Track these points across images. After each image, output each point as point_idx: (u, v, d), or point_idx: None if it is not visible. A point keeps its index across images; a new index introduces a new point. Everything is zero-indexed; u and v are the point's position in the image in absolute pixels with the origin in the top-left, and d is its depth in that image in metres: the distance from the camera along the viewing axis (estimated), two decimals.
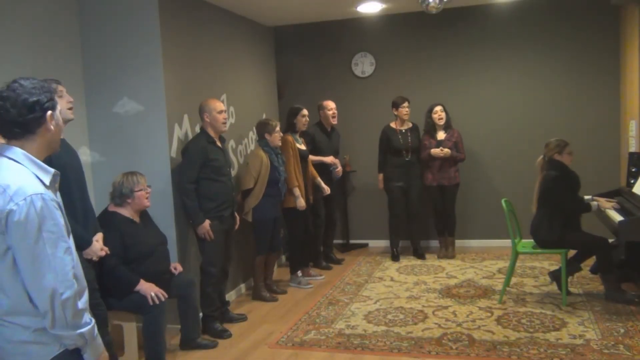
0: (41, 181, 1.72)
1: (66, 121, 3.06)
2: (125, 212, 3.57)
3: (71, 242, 1.78)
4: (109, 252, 3.19)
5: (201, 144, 4.10)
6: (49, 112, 1.75)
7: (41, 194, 1.67)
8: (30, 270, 1.65)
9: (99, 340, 1.82)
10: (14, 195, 1.64)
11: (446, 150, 5.71)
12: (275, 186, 4.81)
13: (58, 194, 1.84)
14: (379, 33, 6.48)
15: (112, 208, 3.59)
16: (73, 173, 3.05)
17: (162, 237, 3.79)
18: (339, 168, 5.78)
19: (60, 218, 1.71)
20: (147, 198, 3.64)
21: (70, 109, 3.05)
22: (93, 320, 1.78)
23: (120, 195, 3.55)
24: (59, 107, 1.81)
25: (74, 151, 3.18)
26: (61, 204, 1.80)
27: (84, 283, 1.82)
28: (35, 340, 1.71)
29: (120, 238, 3.44)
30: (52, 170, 1.78)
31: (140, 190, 3.59)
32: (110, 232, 3.42)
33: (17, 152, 1.72)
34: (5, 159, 1.72)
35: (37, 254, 1.65)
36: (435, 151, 5.72)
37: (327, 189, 5.47)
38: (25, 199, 1.64)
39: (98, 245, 3.09)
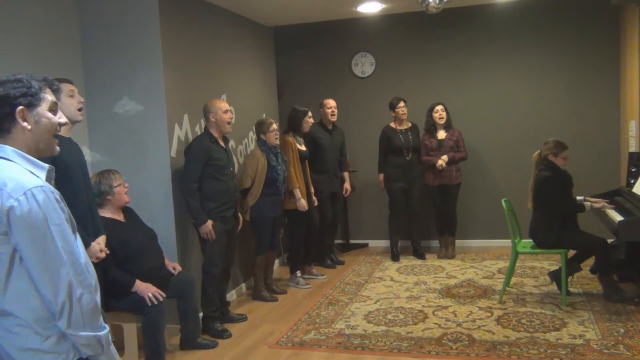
0: (37, 177, 1.62)
1: (74, 122, 3.04)
2: (107, 212, 3.52)
3: (78, 239, 1.70)
4: (108, 252, 3.14)
5: (204, 143, 4.11)
6: (19, 108, 1.61)
7: (41, 186, 1.57)
8: (42, 267, 1.55)
9: (114, 349, 1.73)
10: (12, 192, 1.53)
11: (444, 157, 5.71)
12: (273, 185, 4.81)
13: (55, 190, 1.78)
14: (379, 33, 6.48)
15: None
16: (78, 172, 2.97)
17: (151, 232, 3.75)
18: (348, 187, 5.91)
19: (61, 212, 1.60)
20: (126, 193, 3.61)
21: (80, 109, 3.02)
22: (107, 327, 1.70)
23: (99, 194, 3.49)
24: (44, 105, 1.66)
25: (79, 149, 3.11)
26: (62, 198, 1.70)
27: (97, 282, 1.78)
28: (48, 350, 1.61)
29: (107, 240, 3.41)
30: (47, 165, 1.67)
31: (119, 185, 3.56)
32: None
33: (6, 149, 1.62)
34: None
35: (47, 248, 1.55)
36: (438, 163, 5.71)
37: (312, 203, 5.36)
38: (25, 194, 1.53)
39: (97, 247, 3.03)
